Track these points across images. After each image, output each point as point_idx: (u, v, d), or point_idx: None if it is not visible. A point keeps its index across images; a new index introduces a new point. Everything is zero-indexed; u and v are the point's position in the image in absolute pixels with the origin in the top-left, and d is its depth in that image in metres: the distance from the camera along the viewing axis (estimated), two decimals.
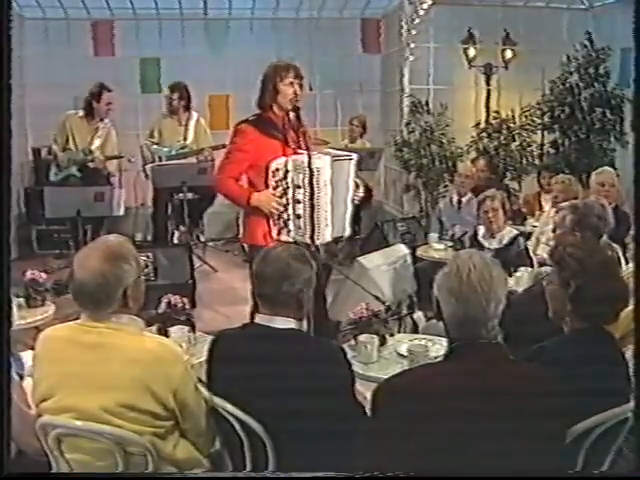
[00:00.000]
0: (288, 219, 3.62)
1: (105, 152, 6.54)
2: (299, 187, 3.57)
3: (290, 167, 3.58)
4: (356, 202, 3.82)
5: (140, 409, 2.17)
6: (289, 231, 3.62)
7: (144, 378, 2.15)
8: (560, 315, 2.34)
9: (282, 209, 3.61)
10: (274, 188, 3.61)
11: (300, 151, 3.61)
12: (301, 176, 3.56)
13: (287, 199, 3.61)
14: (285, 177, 3.59)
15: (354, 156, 3.77)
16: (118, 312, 2.21)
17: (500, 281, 1.99)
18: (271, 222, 3.65)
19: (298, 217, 3.61)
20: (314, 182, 3.54)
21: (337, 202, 3.67)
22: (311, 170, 3.53)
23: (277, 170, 3.60)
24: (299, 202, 3.58)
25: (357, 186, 3.79)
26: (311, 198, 3.56)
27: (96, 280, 2.16)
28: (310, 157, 3.54)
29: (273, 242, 3.51)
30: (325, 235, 3.66)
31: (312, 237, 3.59)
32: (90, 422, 2.14)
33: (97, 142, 6.52)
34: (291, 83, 3.65)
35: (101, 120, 6.55)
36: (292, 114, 3.70)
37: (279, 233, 3.63)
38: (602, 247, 2.40)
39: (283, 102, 3.67)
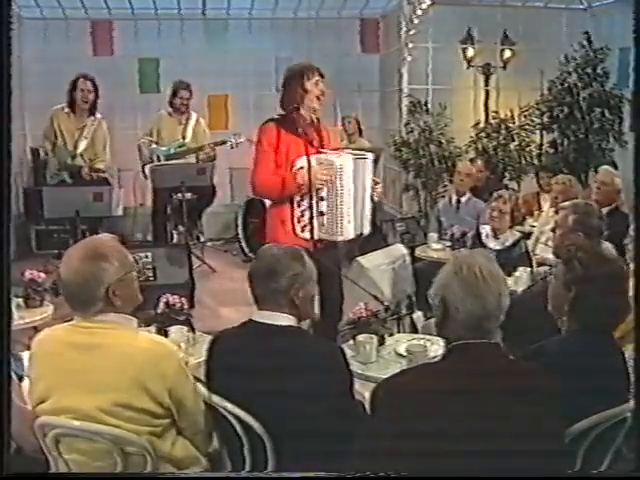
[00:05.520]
0: (312, 217, 3.66)
1: (95, 153, 6.46)
2: (322, 184, 3.63)
3: (314, 165, 3.62)
4: (376, 198, 3.89)
5: (136, 408, 2.16)
6: (312, 228, 3.65)
7: (139, 377, 2.15)
8: (558, 312, 2.34)
9: (306, 201, 3.65)
10: (299, 186, 3.66)
11: (322, 150, 3.70)
12: (325, 173, 3.62)
13: (311, 196, 3.64)
14: (309, 175, 3.63)
15: (370, 155, 3.84)
16: (107, 311, 2.20)
17: (502, 276, 2.04)
18: (295, 220, 3.70)
19: (322, 214, 3.67)
20: (337, 180, 3.62)
21: (358, 199, 3.73)
22: (334, 168, 3.61)
23: (301, 168, 3.65)
24: (323, 199, 3.66)
25: (376, 183, 3.86)
26: (335, 195, 3.64)
27: (76, 279, 2.17)
28: (331, 155, 3.65)
29: (296, 240, 3.54)
30: (348, 231, 3.72)
31: (335, 234, 3.66)
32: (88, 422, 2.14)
33: (83, 144, 6.41)
34: (317, 82, 3.75)
35: (89, 116, 6.44)
36: (313, 114, 3.78)
37: (303, 230, 3.69)
38: (613, 260, 2.38)
39: (310, 101, 3.74)
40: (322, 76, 3.79)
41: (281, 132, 3.73)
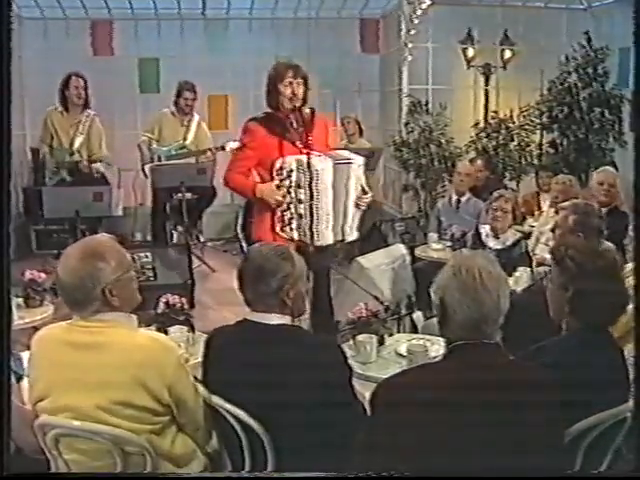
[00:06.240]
0: (291, 218, 3.66)
1: (91, 149, 6.49)
2: (300, 187, 3.62)
3: (293, 167, 3.62)
4: (362, 207, 3.82)
5: (136, 406, 2.17)
6: (292, 229, 3.65)
7: (138, 374, 2.15)
8: (559, 315, 2.34)
9: (285, 203, 3.65)
10: (278, 186, 3.65)
11: (305, 151, 3.65)
12: (303, 176, 3.60)
13: (290, 198, 3.65)
14: (289, 176, 3.64)
15: (357, 160, 3.76)
16: (105, 311, 2.19)
17: (503, 278, 2.02)
18: (275, 219, 3.68)
19: (300, 216, 3.65)
20: (315, 183, 3.59)
21: (338, 205, 3.70)
22: (312, 171, 3.58)
23: (281, 169, 3.65)
24: (301, 202, 3.64)
25: (364, 191, 3.80)
26: (312, 199, 3.61)
27: (72, 279, 2.17)
28: (311, 158, 3.60)
29: (278, 239, 3.53)
30: (326, 237, 3.70)
31: (312, 238, 3.62)
32: (87, 422, 2.14)
33: (79, 141, 6.46)
34: (290, 83, 3.68)
35: (82, 112, 6.46)
36: (299, 113, 3.71)
37: (282, 230, 3.67)
38: (604, 252, 2.38)
39: (284, 102, 3.69)
40: (297, 76, 3.68)
41: (262, 131, 3.71)
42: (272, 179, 3.68)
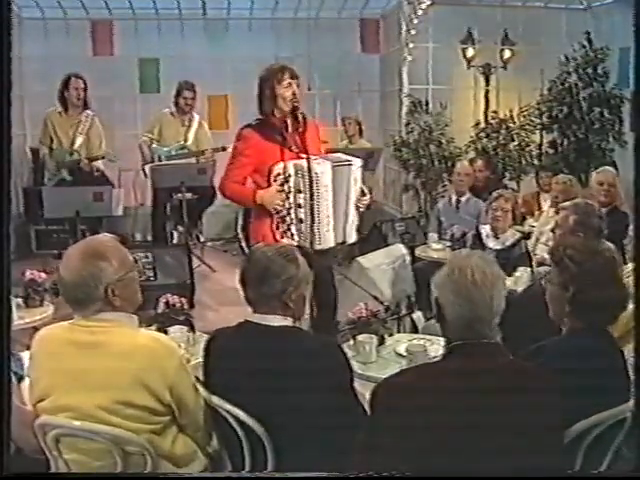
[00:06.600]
0: (291, 223, 3.63)
1: (91, 149, 6.51)
2: (300, 192, 3.59)
3: (291, 171, 3.58)
4: (361, 209, 3.80)
5: (137, 405, 2.17)
6: (292, 235, 3.62)
7: (139, 374, 2.15)
8: (559, 315, 2.34)
9: (285, 207, 3.62)
10: (277, 192, 3.62)
11: (302, 155, 3.60)
12: (302, 181, 3.57)
13: (289, 203, 3.61)
14: (287, 181, 3.60)
15: (355, 161, 3.74)
16: (107, 310, 2.19)
17: (499, 278, 2.01)
18: (274, 225, 3.65)
19: (300, 221, 3.62)
20: (314, 187, 3.56)
21: (339, 207, 3.67)
22: (311, 175, 3.54)
23: (279, 174, 3.60)
24: (300, 206, 3.60)
25: (363, 193, 3.77)
26: (312, 203, 3.57)
27: (74, 279, 2.17)
28: (310, 162, 3.56)
29: (278, 242, 3.52)
30: (328, 240, 3.66)
31: (313, 242, 3.60)
32: (88, 422, 2.14)
33: (79, 140, 6.48)
34: (289, 84, 3.64)
35: (82, 112, 6.49)
36: (293, 117, 3.68)
37: (282, 236, 3.64)
38: (603, 250, 2.38)
39: (283, 105, 3.66)
40: (295, 77, 3.66)
41: (257, 138, 3.66)
42: (269, 185, 3.63)
